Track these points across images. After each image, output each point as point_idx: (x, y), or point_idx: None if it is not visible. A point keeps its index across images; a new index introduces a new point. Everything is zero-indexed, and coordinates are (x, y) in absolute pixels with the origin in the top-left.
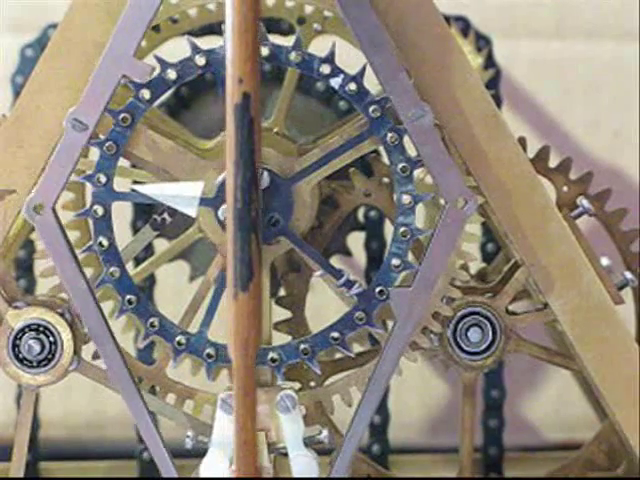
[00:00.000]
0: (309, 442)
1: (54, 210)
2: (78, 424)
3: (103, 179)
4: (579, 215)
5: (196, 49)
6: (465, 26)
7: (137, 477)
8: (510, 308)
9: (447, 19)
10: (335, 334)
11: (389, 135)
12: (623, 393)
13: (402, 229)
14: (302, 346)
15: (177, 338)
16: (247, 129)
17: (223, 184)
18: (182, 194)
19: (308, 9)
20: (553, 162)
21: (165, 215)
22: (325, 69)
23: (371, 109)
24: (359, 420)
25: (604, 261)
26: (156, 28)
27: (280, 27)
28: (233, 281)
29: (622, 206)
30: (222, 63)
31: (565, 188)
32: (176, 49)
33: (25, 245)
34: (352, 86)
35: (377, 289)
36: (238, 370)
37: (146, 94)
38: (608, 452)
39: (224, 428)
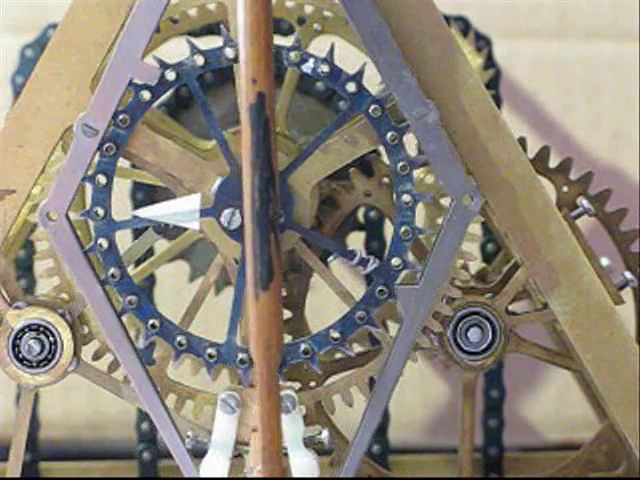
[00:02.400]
0: (309, 442)
1: (67, 216)
2: (78, 424)
3: (101, 212)
4: (579, 215)
5: (165, 65)
6: (465, 26)
7: (137, 477)
8: (510, 308)
9: (447, 19)
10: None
11: (372, 107)
12: (623, 393)
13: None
14: (303, 346)
15: (208, 351)
16: (263, 129)
17: (220, 192)
18: (181, 210)
19: (308, 9)
20: (553, 162)
21: None
22: (294, 57)
23: (348, 86)
24: (368, 421)
25: (604, 261)
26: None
27: (280, 27)
28: (254, 282)
29: (622, 206)
30: (192, 74)
31: (565, 188)
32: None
33: (25, 245)
34: (325, 68)
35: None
36: (261, 371)
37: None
38: (608, 452)
39: (224, 428)
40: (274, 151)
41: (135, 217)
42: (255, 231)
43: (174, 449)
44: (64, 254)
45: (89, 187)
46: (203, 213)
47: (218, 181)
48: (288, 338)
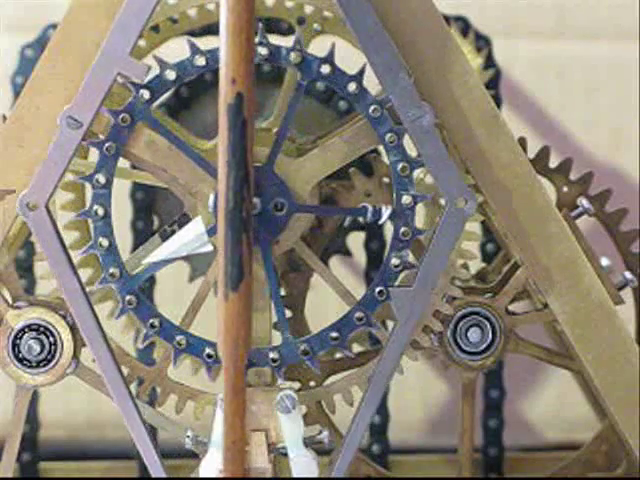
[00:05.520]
0: (309, 442)
1: (47, 208)
2: (78, 424)
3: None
4: (579, 215)
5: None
6: (465, 26)
7: (137, 477)
8: (510, 308)
9: (447, 19)
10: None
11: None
12: (623, 393)
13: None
14: (302, 346)
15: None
16: (240, 130)
17: (217, 207)
18: (189, 239)
19: (308, 9)
20: (553, 162)
21: (175, 227)
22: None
23: (291, 56)
24: (360, 420)
25: (604, 261)
26: (155, 28)
27: (280, 27)
28: (224, 281)
29: (622, 206)
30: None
31: (565, 188)
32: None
33: (25, 245)
34: (263, 51)
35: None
36: (228, 370)
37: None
38: (608, 452)
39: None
40: (250, 152)
41: (148, 264)
42: (227, 231)
43: (143, 450)
44: (42, 245)
45: (89, 187)
46: (211, 232)
47: (212, 198)
48: None
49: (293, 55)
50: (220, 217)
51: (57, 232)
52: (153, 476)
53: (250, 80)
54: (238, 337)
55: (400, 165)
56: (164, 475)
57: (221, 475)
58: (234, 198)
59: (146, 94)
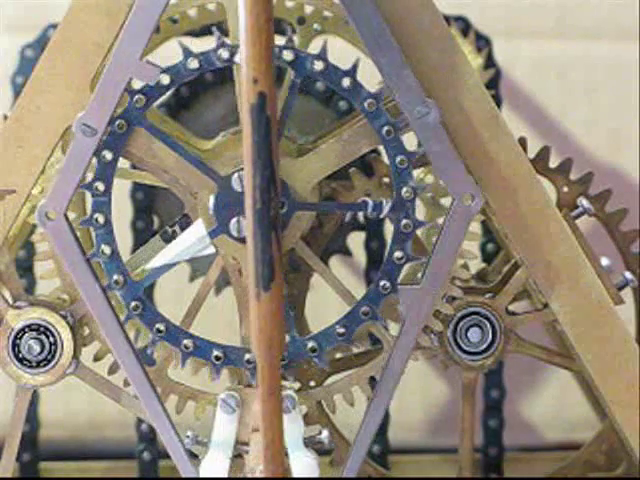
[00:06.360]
0: (309, 442)
1: (66, 216)
2: (78, 424)
3: (121, 279)
4: (579, 215)
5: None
6: (465, 26)
7: (137, 477)
8: (510, 308)
9: (447, 19)
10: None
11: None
12: (623, 393)
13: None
14: (310, 344)
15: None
16: (264, 129)
17: (217, 208)
18: (191, 242)
19: (308, 9)
20: (553, 162)
21: (176, 227)
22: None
23: (283, 54)
24: (370, 421)
25: (604, 261)
26: (156, 29)
27: (280, 27)
28: (255, 281)
29: (622, 206)
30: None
31: (565, 188)
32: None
33: (25, 245)
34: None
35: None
36: (263, 370)
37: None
38: (608, 452)
39: (224, 428)
40: (276, 150)
41: (151, 270)
42: (256, 231)
43: (173, 451)
44: (62, 254)
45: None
46: (212, 234)
47: (212, 200)
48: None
49: (285, 53)
50: (248, 217)
51: (77, 240)
52: (183, 476)
53: (271, 79)
54: (272, 336)
55: (398, 158)
56: (194, 475)
57: (262, 475)
58: (261, 197)
59: (141, 100)
